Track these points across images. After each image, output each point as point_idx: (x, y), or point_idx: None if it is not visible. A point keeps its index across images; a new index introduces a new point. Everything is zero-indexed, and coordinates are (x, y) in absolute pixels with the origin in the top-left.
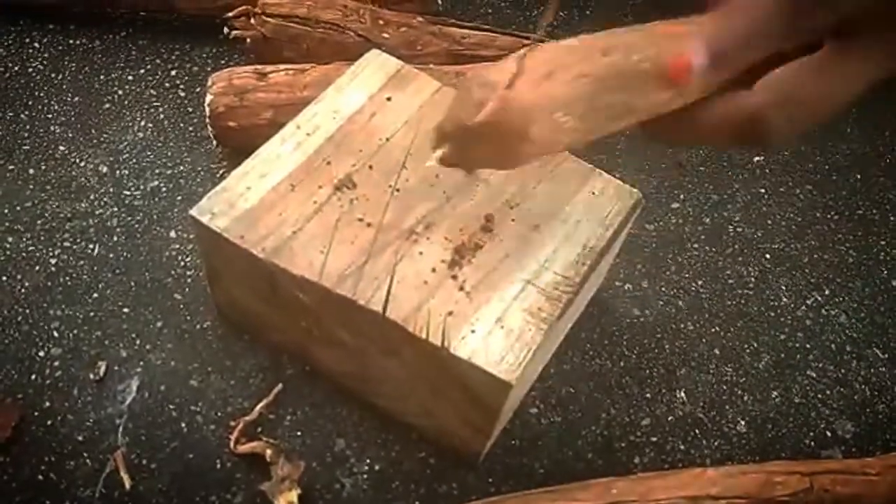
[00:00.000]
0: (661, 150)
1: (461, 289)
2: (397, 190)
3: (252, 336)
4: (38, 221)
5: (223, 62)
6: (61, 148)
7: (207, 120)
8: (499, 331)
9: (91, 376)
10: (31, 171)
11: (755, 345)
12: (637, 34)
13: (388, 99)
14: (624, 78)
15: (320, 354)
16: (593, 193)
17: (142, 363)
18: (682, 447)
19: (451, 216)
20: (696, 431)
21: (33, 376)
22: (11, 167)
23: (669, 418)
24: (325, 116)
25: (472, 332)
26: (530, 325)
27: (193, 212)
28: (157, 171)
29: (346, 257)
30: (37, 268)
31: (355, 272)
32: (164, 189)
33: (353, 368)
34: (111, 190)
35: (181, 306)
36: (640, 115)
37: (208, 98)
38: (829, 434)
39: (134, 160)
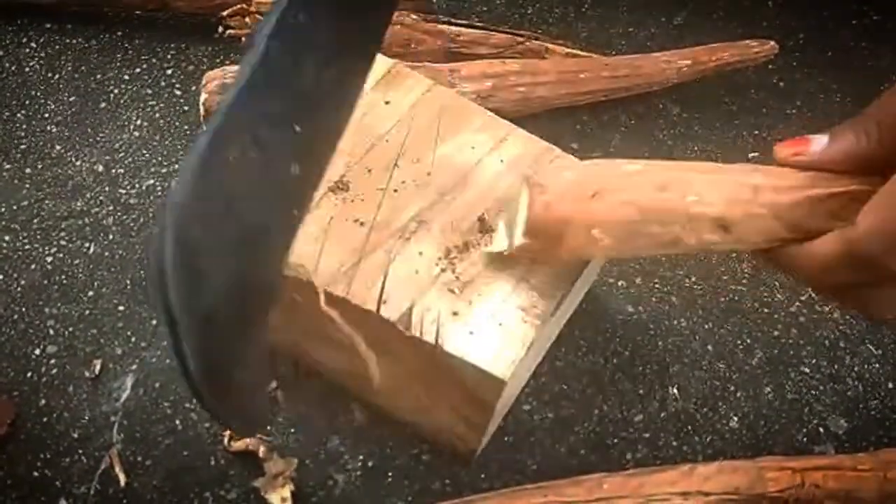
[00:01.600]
0: (654, 148)
1: (454, 287)
2: (390, 189)
3: None
4: (35, 220)
5: (218, 61)
6: (57, 147)
7: (202, 118)
8: (492, 328)
9: (86, 374)
10: (28, 170)
11: (748, 341)
12: (701, 176)
13: (381, 98)
14: (673, 215)
15: (314, 352)
16: None
17: (137, 361)
18: (674, 443)
19: (444, 215)
20: (689, 427)
21: (29, 374)
22: (8, 166)
23: (662, 414)
24: None
25: (466, 329)
26: (524, 323)
27: None
28: (152, 169)
29: (339, 256)
30: (33, 266)
31: (348, 271)
32: (159, 188)
33: (347, 366)
34: (107, 189)
35: None
36: (685, 248)
37: (203, 97)
38: (821, 430)
39: (129, 159)
